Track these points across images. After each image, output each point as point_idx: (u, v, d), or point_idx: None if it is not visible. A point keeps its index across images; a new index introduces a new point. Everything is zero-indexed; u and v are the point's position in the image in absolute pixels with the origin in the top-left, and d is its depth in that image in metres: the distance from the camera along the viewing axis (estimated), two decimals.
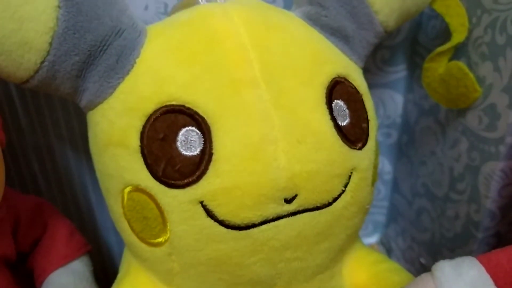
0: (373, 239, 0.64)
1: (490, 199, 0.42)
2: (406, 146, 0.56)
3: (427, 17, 0.50)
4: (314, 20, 0.36)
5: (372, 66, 0.53)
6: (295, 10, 0.38)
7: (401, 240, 0.59)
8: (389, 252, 0.61)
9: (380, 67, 0.54)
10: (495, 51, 0.40)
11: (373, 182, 0.37)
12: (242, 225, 0.30)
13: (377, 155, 0.37)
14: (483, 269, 0.27)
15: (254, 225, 0.30)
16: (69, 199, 0.54)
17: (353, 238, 0.37)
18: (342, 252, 0.36)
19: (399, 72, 0.54)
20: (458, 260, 0.29)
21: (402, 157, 0.57)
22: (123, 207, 0.33)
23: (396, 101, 0.55)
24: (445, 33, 0.44)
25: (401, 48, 0.53)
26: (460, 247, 0.47)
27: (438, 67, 0.43)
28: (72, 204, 0.54)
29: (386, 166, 0.59)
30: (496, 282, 0.26)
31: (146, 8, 0.46)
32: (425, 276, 0.29)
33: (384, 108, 0.56)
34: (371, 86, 0.54)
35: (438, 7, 0.43)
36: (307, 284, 0.35)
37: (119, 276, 0.38)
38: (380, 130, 0.57)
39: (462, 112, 0.45)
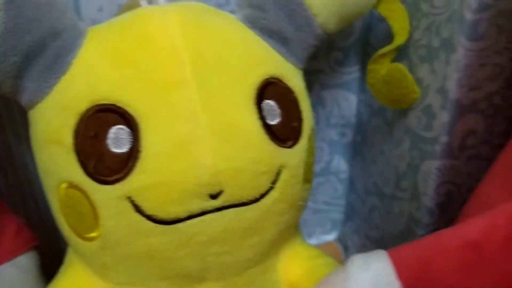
0: (331, 237, 0.65)
1: (428, 197, 0.44)
2: (360, 145, 0.57)
3: (377, 19, 0.51)
4: (253, 23, 0.37)
5: (326, 67, 0.54)
6: (237, 12, 0.39)
7: (356, 238, 0.61)
8: (346, 249, 0.63)
9: (334, 68, 0.55)
10: (431, 53, 0.41)
11: (307, 180, 0.38)
12: (169, 219, 0.31)
13: (311, 153, 0.38)
14: (388, 261, 0.28)
15: (180, 220, 0.32)
16: (28, 196, 0.54)
17: (288, 233, 0.39)
18: (274, 247, 0.37)
19: (352, 73, 0.55)
20: (372, 253, 0.30)
21: (357, 156, 0.59)
22: (59, 203, 0.34)
23: (350, 101, 0.57)
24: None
25: (354, 50, 0.54)
26: (403, 244, 0.48)
27: (380, 68, 0.45)
28: (30, 201, 0.55)
29: (342, 165, 0.61)
30: (400, 274, 0.27)
31: (100, 9, 0.47)
32: (340, 268, 0.30)
33: (339, 108, 0.57)
34: (326, 86, 0.56)
35: (383, 11, 0.44)
36: (237, 278, 0.36)
37: (60, 269, 0.39)
38: (335, 130, 0.58)
39: (404, 112, 0.46)
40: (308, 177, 0.38)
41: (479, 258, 0.25)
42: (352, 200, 0.61)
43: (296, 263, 0.39)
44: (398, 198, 0.49)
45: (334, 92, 0.56)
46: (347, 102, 0.57)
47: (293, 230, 0.39)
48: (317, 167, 0.60)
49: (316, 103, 0.56)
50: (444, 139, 0.41)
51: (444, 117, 0.40)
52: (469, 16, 0.36)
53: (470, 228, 0.27)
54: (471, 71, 0.38)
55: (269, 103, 0.34)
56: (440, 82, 0.40)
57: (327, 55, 0.54)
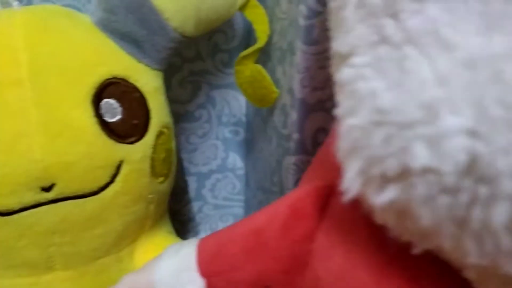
0: None
1: (289, 190, 0.47)
2: (251, 142, 0.60)
3: None
4: (105, 26, 0.40)
5: (213, 69, 0.57)
6: (93, 15, 0.42)
7: None
8: None
9: (221, 69, 0.57)
10: (283, 55, 0.44)
11: (158, 174, 0.40)
12: (3, 211, 0.34)
13: (162, 149, 0.40)
14: (194, 248, 0.31)
15: (14, 212, 0.34)
16: None
17: (141, 225, 0.41)
18: (126, 237, 0.40)
19: None
20: (188, 240, 0.33)
21: (249, 153, 0.61)
22: None
23: (239, 100, 0.59)
24: None
25: (238, 52, 0.56)
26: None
27: (245, 69, 0.47)
28: None
29: (238, 162, 0.63)
30: (199, 258, 0.30)
31: None
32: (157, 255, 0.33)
33: (229, 107, 0.60)
34: (214, 87, 0.59)
35: (248, 15, 0.47)
36: (87, 267, 0.39)
37: None
38: (227, 128, 0.61)
39: (272, 111, 0.49)
40: (159, 172, 0.40)
41: (260, 243, 0.28)
42: (249, 196, 0.64)
43: (154, 253, 0.41)
44: (273, 192, 0.52)
45: (223, 92, 0.59)
46: (236, 102, 0.60)
47: (149, 221, 0.42)
48: (214, 164, 0.63)
49: (207, 103, 0.59)
50: (296, 136, 0.44)
51: (293, 115, 0.43)
52: (302, 22, 0.39)
53: (259, 216, 0.29)
54: (312, 73, 0.41)
55: (109, 102, 0.37)
56: (289, 83, 0.43)
57: (213, 57, 0.56)
